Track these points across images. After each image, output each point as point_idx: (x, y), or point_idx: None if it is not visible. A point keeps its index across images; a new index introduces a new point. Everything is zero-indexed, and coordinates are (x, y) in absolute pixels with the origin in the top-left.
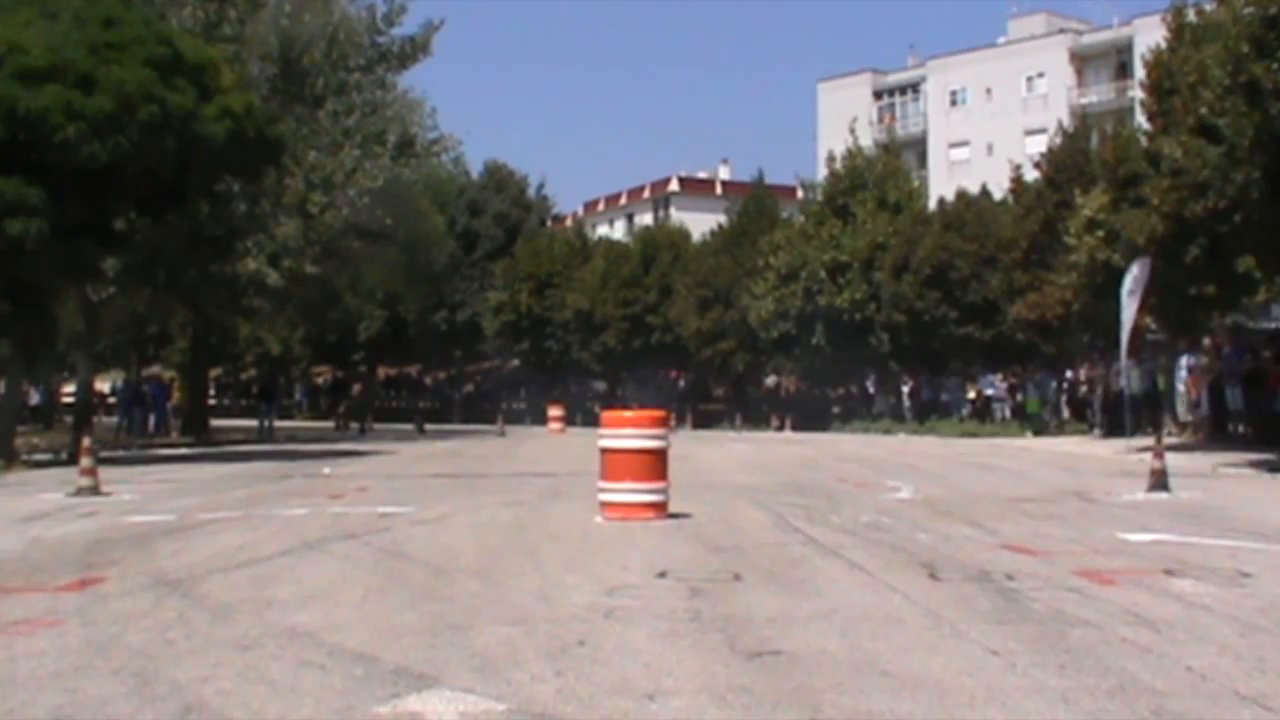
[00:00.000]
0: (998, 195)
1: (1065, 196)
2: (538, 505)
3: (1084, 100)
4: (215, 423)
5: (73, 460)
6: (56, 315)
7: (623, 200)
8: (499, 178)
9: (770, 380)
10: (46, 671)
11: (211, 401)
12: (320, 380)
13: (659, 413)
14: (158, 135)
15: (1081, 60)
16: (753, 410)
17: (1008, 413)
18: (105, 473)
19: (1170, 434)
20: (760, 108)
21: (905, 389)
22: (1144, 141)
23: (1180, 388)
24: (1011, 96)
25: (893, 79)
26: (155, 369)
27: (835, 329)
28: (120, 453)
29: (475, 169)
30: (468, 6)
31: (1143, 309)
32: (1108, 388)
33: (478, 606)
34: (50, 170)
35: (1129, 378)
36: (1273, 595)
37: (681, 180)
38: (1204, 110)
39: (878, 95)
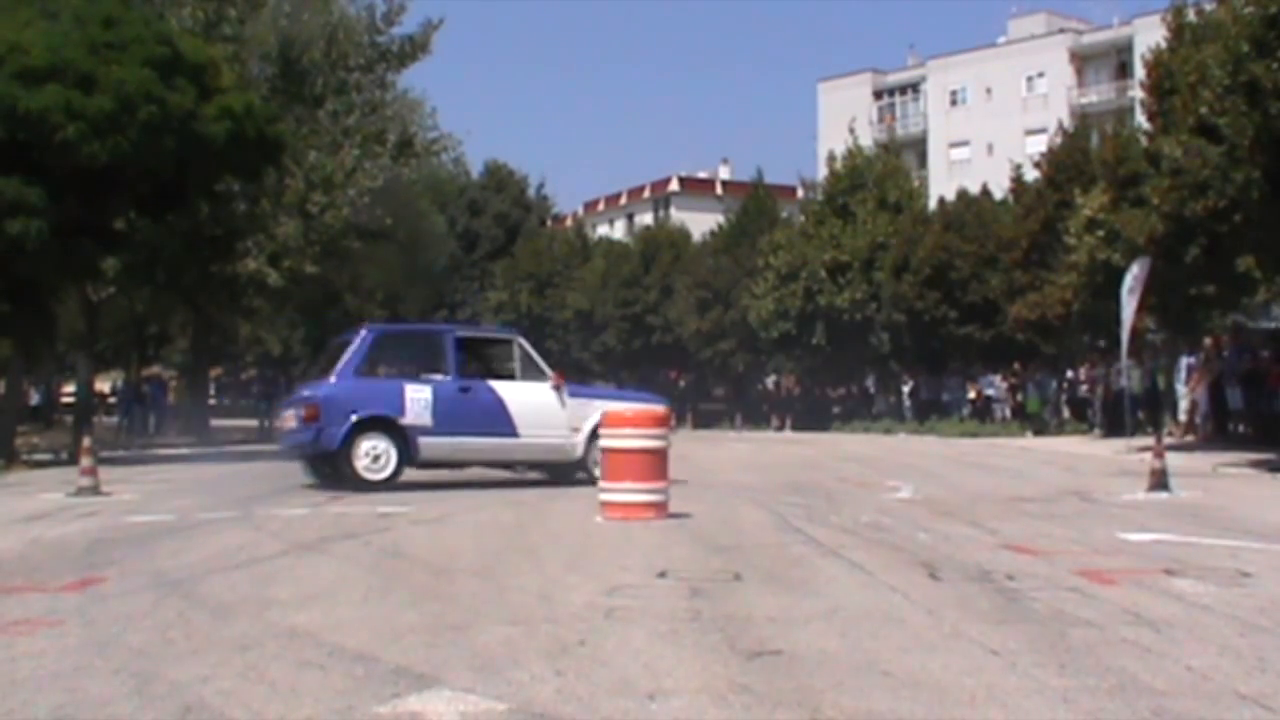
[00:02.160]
0: (998, 195)
1: (1065, 196)
2: (538, 505)
3: (1084, 100)
4: (215, 423)
5: (73, 460)
6: (56, 315)
7: (623, 200)
8: (499, 178)
9: (770, 380)
10: (46, 671)
11: (212, 401)
12: None
13: (659, 413)
14: (158, 135)
15: (1081, 60)
16: (753, 410)
17: (1008, 413)
18: (105, 473)
19: (1170, 434)
20: (760, 108)
21: (905, 389)
22: (1144, 141)
23: (1180, 388)
24: (1011, 96)
25: (893, 79)
26: (155, 369)
27: (835, 329)
28: (120, 453)
29: (475, 169)
30: (468, 6)
31: (1141, 308)
32: (1108, 388)
33: (478, 606)
34: (50, 170)
35: (1129, 378)
36: (1273, 595)
37: (681, 180)
38: (1204, 110)
39: (878, 95)
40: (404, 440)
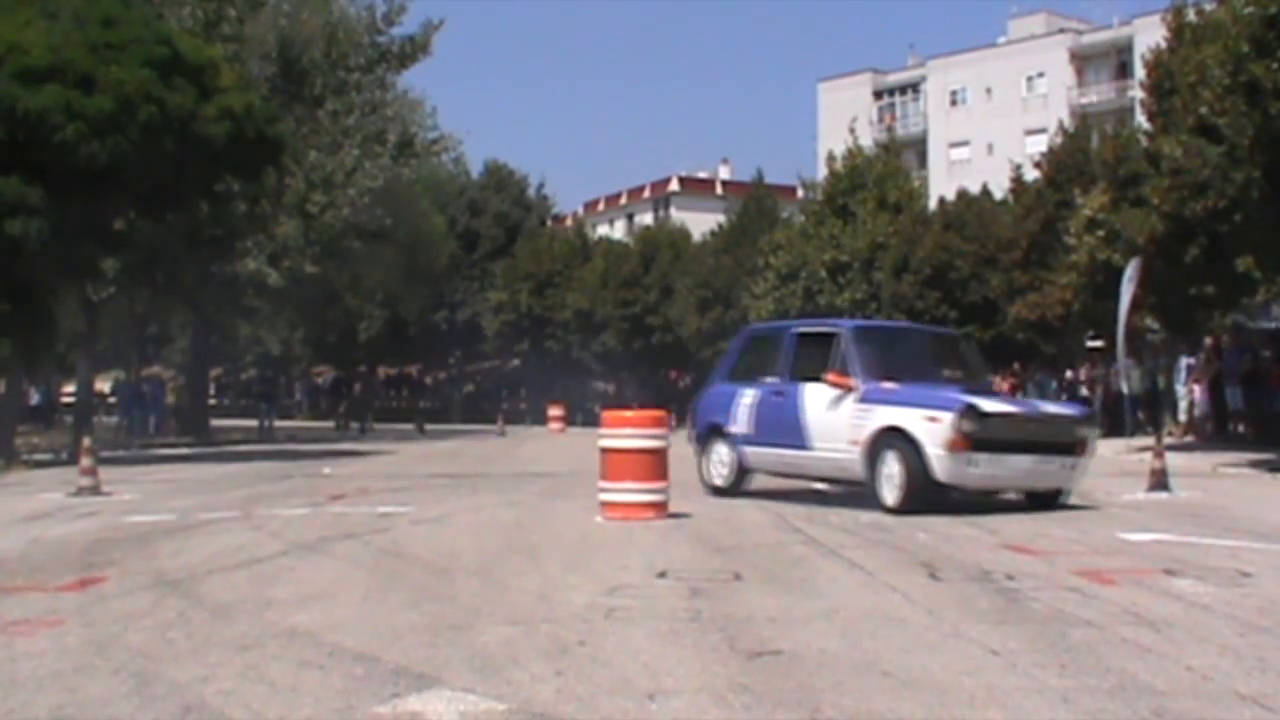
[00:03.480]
0: (998, 195)
1: (1065, 196)
2: (538, 505)
3: (1084, 100)
4: (215, 423)
5: (73, 460)
6: (56, 315)
7: (623, 200)
8: (499, 178)
9: None
10: (46, 671)
11: (211, 401)
12: (320, 380)
13: (659, 413)
14: (157, 135)
15: (1081, 60)
16: None
17: None
18: (105, 473)
19: (1170, 434)
20: (760, 108)
21: None
22: (1144, 141)
23: (1180, 388)
24: (1011, 96)
25: (893, 79)
26: (155, 369)
27: None
28: (120, 453)
29: (475, 169)
30: (468, 6)
31: (1135, 307)
32: (1108, 388)
33: (478, 606)
34: (50, 170)
35: (1129, 378)
36: (1273, 595)
37: (681, 180)
38: (1204, 110)
39: (878, 95)
40: (735, 448)
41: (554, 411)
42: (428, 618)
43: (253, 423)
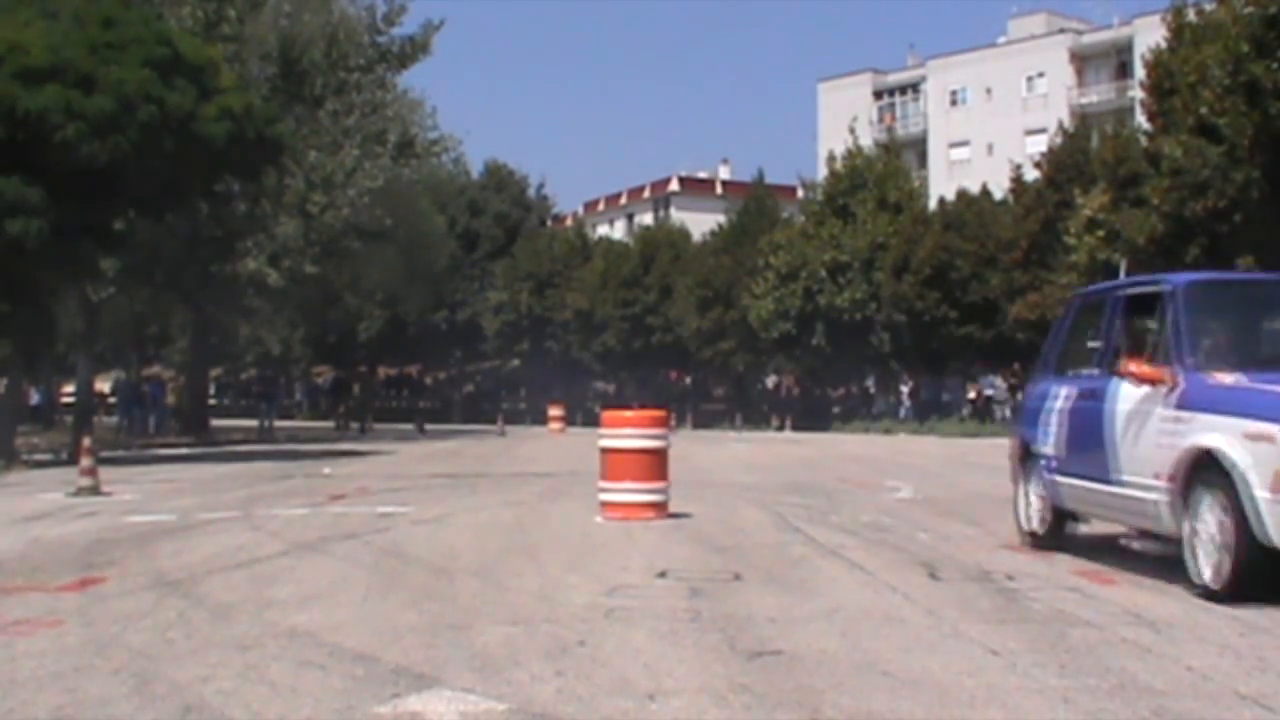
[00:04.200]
0: (998, 195)
1: (1065, 196)
2: (538, 505)
3: (1084, 100)
4: (215, 422)
5: (73, 460)
6: (56, 315)
7: (623, 200)
8: (499, 178)
9: (770, 380)
10: (46, 671)
11: (211, 401)
12: (320, 380)
13: (659, 413)
14: (157, 135)
15: (1081, 60)
16: (753, 410)
17: (1008, 413)
18: (105, 473)
19: None
20: (760, 108)
21: (905, 389)
22: (1144, 141)
23: None
24: (1011, 96)
25: (893, 79)
26: (155, 369)
27: (835, 329)
28: (120, 453)
29: (475, 169)
30: (468, 7)
31: None
32: None
33: (478, 606)
34: (50, 170)
35: None
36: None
37: (681, 180)
38: (1204, 110)
39: (878, 95)
40: (1045, 477)
41: (554, 411)
42: (428, 618)
43: (253, 423)
